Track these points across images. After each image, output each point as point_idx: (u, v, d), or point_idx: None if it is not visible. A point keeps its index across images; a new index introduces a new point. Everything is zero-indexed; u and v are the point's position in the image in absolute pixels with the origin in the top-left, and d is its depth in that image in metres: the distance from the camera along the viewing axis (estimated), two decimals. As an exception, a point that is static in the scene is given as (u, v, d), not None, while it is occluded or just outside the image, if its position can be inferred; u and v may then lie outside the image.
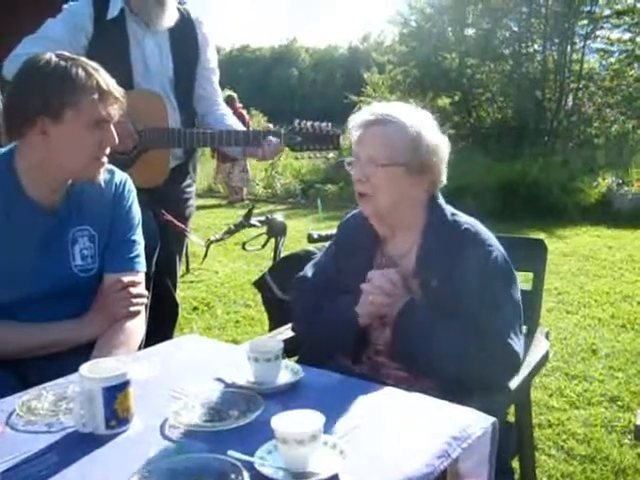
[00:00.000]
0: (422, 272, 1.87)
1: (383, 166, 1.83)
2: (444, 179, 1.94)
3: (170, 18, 2.79)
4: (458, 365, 1.72)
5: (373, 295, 1.82)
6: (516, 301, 1.85)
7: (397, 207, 1.89)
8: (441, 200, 1.96)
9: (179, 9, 2.86)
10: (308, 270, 2.13)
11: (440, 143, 1.90)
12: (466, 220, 1.92)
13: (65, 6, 2.78)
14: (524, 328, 2.15)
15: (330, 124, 2.75)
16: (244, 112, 11.60)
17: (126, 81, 2.50)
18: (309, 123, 2.76)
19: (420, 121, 1.88)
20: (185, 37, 2.87)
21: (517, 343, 1.79)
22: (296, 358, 2.00)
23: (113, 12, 2.73)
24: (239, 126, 2.98)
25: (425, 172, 1.87)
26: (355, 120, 1.92)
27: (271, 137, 2.73)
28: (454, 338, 1.76)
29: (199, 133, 2.79)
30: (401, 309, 1.82)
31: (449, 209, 1.95)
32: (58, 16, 2.75)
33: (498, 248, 1.88)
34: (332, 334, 1.91)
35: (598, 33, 14.35)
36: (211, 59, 2.98)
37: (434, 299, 1.83)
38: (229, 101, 2.84)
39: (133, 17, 2.76)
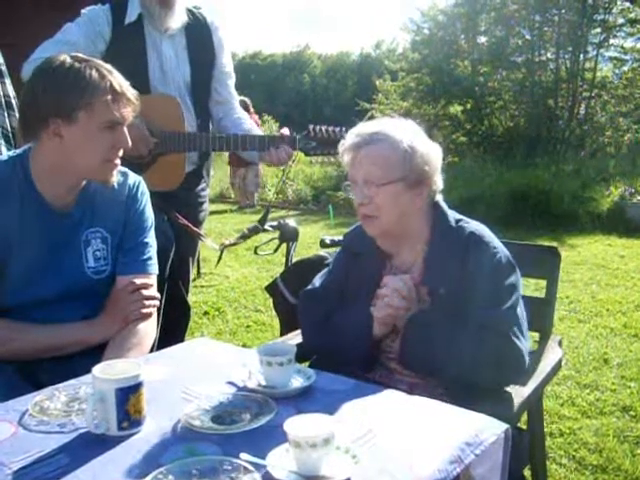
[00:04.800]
0: (430, 280, 1.87)
1: (382, 185, 1.82)
2: (441, 184, 1.93)
3: (177, 19, 2.80)
4: (465, 367, 1.71)
5: (391, 297, 1.81)
6: (519, 301, 1.85)
7: (401, 222, 1.88)
8: (443, 205, 1.95)
9: (195, 14, 2.88)
10: (316, 282, 2.11)
11: (432, 150, 1.89)
12: (471, 225, 1.91)
13: (83, 11, 2.79)
14: (536, 335, 2.14)
15: (344, 128, 2.76)
16: (256, 117, 11.63)
17: (143, 85, 2.52)
18: (323, 128, 2.79)
19: (409, 132, 1.87)
20: (201, 41, 2.89)
21: (522, 342, 1.78)
22: (308, 363, 1.99)
23: (131, 17, 2.76)
24: (256, 130, 3.01)
25: (423, 182, 1.87)
26: (344, 144, 1.90)
27: (282, 145, 2.74)
28: (462, 343, 1.74)
29: (215, 137, 2.80)
30: (410, 317, 1.81)
31: (452, 214, 1.94)
32: (77, 20, 2.77)
33: (502, 249, 1.87)
34: (344, 346, 1.89)
35: (611, 42, 14.37)
36: (227, 63, 2.99)
37: (443, 306, 1.83)
38: (242, 106, 2.84)
39: (150, 22, 2.78)
